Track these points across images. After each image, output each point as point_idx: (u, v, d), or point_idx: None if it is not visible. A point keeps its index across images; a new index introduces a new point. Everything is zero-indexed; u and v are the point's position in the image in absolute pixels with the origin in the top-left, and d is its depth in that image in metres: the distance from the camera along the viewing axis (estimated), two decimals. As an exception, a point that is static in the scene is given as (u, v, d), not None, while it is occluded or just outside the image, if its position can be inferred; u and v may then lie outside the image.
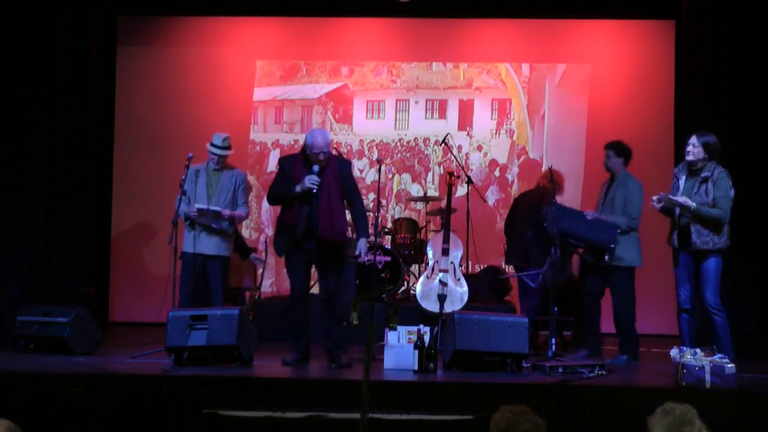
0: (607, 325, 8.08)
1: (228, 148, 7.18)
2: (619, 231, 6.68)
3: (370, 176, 9.67)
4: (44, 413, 5.53)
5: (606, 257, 6.71)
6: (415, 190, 9.71)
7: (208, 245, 7.04)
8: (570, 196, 9.50)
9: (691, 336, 6.51)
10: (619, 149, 7.06)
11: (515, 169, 9.70)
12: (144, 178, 9.37)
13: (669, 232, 6.57)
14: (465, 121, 9.74)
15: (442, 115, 9.77)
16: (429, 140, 9.68)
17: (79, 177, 8.32)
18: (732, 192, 6.34)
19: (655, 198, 6.44)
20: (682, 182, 6.48)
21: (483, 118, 9.72)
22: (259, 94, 9.87)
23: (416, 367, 6.14)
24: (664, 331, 8.83)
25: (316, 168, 6.37)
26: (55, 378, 5.74)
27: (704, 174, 6.35)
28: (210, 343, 6.22)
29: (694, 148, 6.38)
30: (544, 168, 9.26)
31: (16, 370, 5.98)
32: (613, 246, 6.66)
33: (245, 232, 9.55)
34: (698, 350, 5.76)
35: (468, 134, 9.73)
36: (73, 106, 8.28)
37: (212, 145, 7.15)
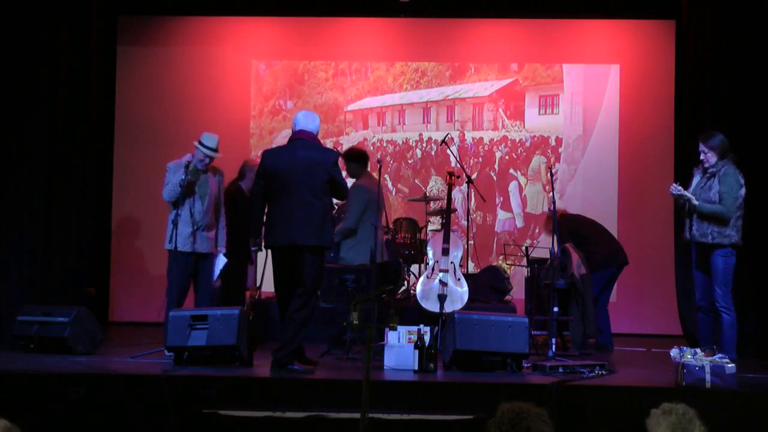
0: (615, 326, 8.13)
1: (217, 150, 7.04)
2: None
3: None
4: (44, 413, 5.53)
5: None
6: (416, 191, 9.69)
7: (202, 243, 7.02)
8: (569, 197, 9.56)
9: (707, 336, 6.55)
10: (348, 156, 7.50)
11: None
12: (144, 177, 9.35)
13: (682, 227, 6.76)
14: (472, 122, 9.72)
15: (448, 116, 9.77)
16: (432, 138, 9.66)
17: (79, 176, 8.32)
18: (742, 190, 6.45)
19: (672, 186, 6.60)
20: (695, 180, 6.64)
21: (488, 119, 9.70)
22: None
23: (416, 367, 6.14)
24: (664, 331, 8.85)
25: None
26: (55, 378, 5.74)
27: (712, 170, 6.50)
28: (210, 343, 6.22)
29: (705, 155, 6.55)
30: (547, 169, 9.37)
31: (16, 370, 5.98)
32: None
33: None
34: (698, 350, 5.76)
35: (473, 138, 9.71)
36: (73, 105, 8.28)
37: (205, 146, 6.96)
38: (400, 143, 9.81)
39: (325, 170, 6.17)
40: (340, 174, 6.29)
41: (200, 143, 6.99)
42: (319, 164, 6.17)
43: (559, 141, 9.59)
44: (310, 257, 6.15)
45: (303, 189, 6.13)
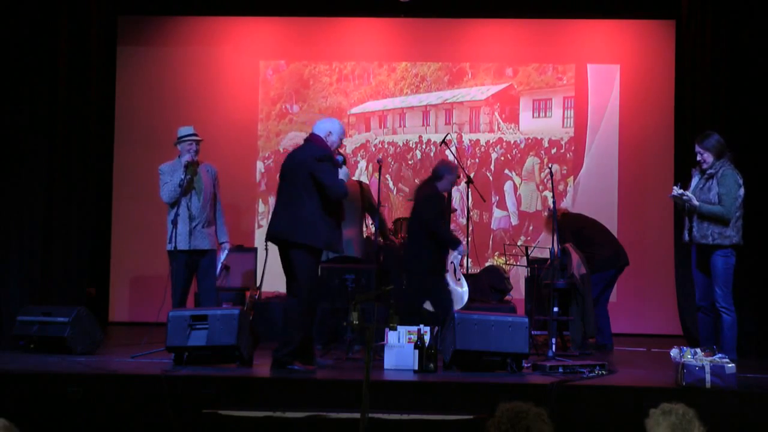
0: (615, 326, 8.13)
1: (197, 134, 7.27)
2: None
3: (368, 176, 9.70)
4: (44, 413, 5.53)
5: None
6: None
7: (202, 240, 7.03)
8: (567, 197, 9.57)
9: (707, 336, 6.54)
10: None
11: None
12: (144, 177, 9.34)
13: (682, 228, 6.73)
14: (469, 125, 9.76)
15: (446, 119, 9.82)
16: (431, 140, 9.73)
17: (79, 177, 8.32)
18: (741, 191, 6.42)
19: (673, 189, 6.56)
20: (694, 181, 6.62)
21: (484, 122, 9.75)
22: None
23: (416, 367, 6.14)
24: (664, 331, 8.85)
25: (340, 158, 6.39)
26: (55, 378, 5.74)
27: (710, 171, 6.46)
28: (210, 343, 6.22)
29: (702, 156, 6.52)
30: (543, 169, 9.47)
31: (16, 370, 5.97)
32: None
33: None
34: (698, 350, 5.76)
35: (469, 140, 9.76)
36: (73, 106, 8.27)
37: (189, 135, 7.17)
38: (401, 145, 9.86)
39: (305, 168, 6.15)
40: (324, 172, 6.13)
41: (180, 137, 7.18)
42: (302, 163, 6.21)
43: (552, 143, 9.69)
44: (296, 254, 6.16)
45: (289, 187, 6.25)
